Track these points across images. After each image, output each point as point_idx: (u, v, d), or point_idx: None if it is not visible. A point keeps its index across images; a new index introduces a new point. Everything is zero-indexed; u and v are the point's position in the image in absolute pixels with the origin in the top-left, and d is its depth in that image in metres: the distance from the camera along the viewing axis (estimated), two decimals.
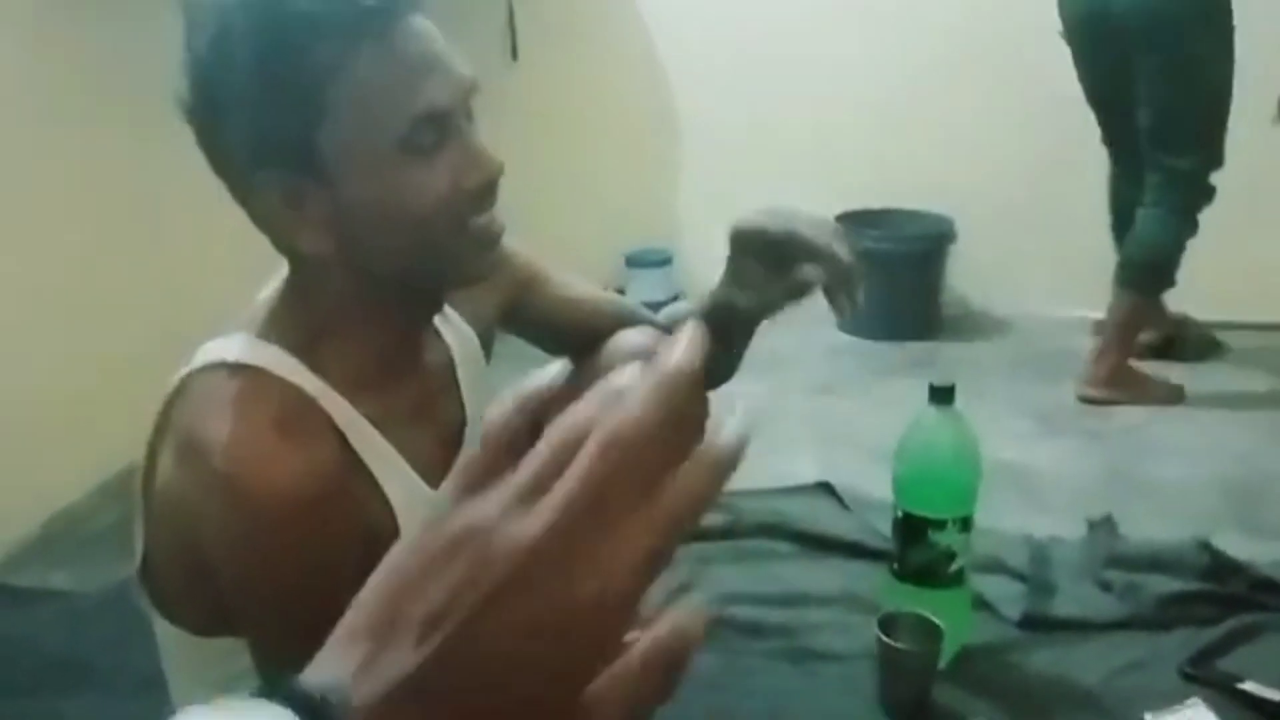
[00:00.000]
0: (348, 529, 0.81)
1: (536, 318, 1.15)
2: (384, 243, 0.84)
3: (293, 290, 0.89)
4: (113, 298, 1.98)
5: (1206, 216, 2.41)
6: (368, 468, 0.86)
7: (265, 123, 0.80)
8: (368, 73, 0.79)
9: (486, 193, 0.86)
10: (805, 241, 1.02)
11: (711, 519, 1.76)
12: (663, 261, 3.00)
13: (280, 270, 0.93)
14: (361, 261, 0.85)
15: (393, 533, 0.88)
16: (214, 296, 2.12)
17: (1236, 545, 1.69)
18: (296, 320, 0.87)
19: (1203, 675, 1.42)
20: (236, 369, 0.83)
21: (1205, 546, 1.66)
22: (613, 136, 3.03)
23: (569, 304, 1.16)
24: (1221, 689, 1.39)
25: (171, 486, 0.82)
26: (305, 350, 0.85)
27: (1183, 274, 2.39)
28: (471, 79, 0.84)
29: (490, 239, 0.89)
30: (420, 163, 0.82)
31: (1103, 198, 2.67)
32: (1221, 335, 2.61)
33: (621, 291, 2.99)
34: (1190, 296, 2.59)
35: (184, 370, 0.86)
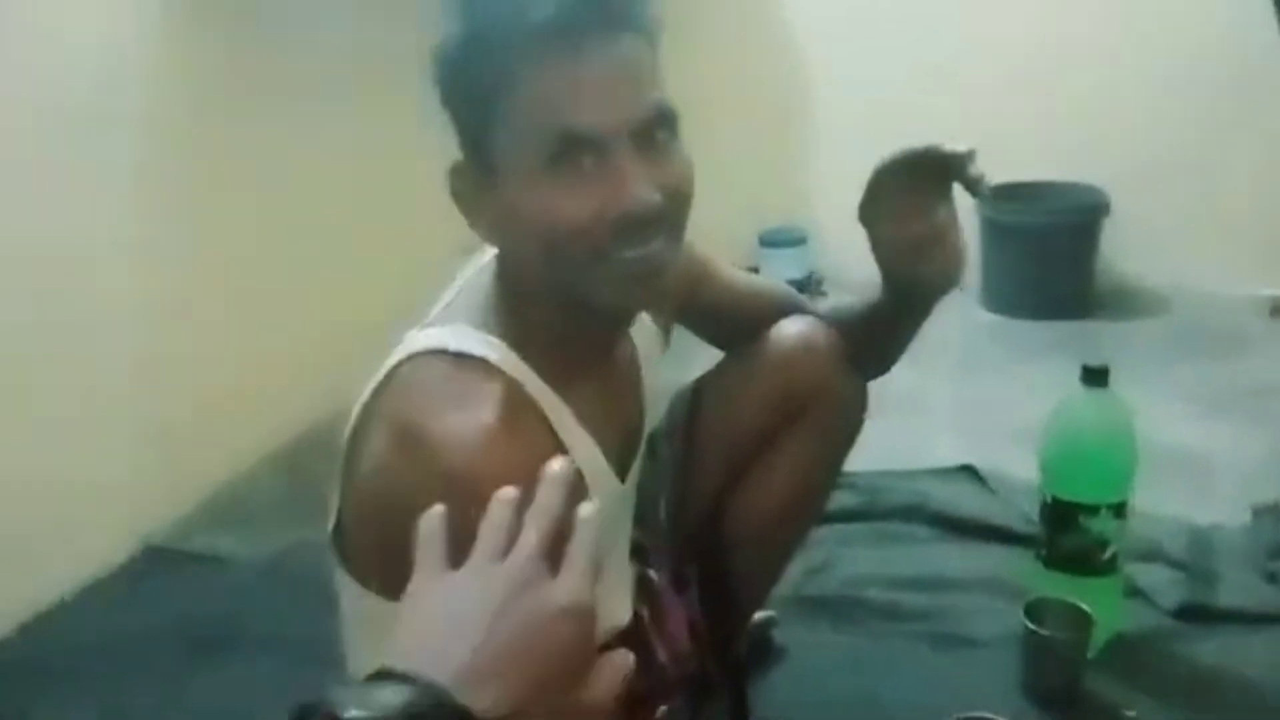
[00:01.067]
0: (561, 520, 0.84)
1: (708, 311, 1.18)
2: (525, 252, 0.88)
3: (502, 283, 0.92)
4: (285, 274, 2.07)
5: None
6: (572, 458, 0.88)
7: (462, 110, 0.87)
8: (536, 88, 0.83)
9: (630, 226, 0.84)
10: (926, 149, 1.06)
11: (848, 500, 1.74)
12: (797, 241, 2.96)
13: (478, 259, 0.97)
14: (513, 262, 0.90)
15: None
16: (377, 281, 2.22)
17: None
18: (511, 312, 0.90)
19: None
20: (460, 359, 0.86)
21: None
22: (747, 115, 3.00)
23: (738, 298, 1.19)
24: None
25: (388, 470, 0.84)
26: (521, 343, 0.88)
27: None
28: (650, 107, 0.84)
29: (639, 274, 0.87)
30: (569, 185, 0.83)
31: (1260, 166, 2.51)
32: None
33: (756, 270, 2.97)
34: None
35: (397, 356, 0.89)
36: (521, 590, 0.57)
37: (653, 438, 1.15)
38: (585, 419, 0.91)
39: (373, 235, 2.28)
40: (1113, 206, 2.63)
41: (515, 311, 0.90)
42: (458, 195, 0.90)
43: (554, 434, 0.87)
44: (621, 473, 0.99)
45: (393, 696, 0.52)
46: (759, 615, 1.41)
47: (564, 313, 0.90)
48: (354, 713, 0.51)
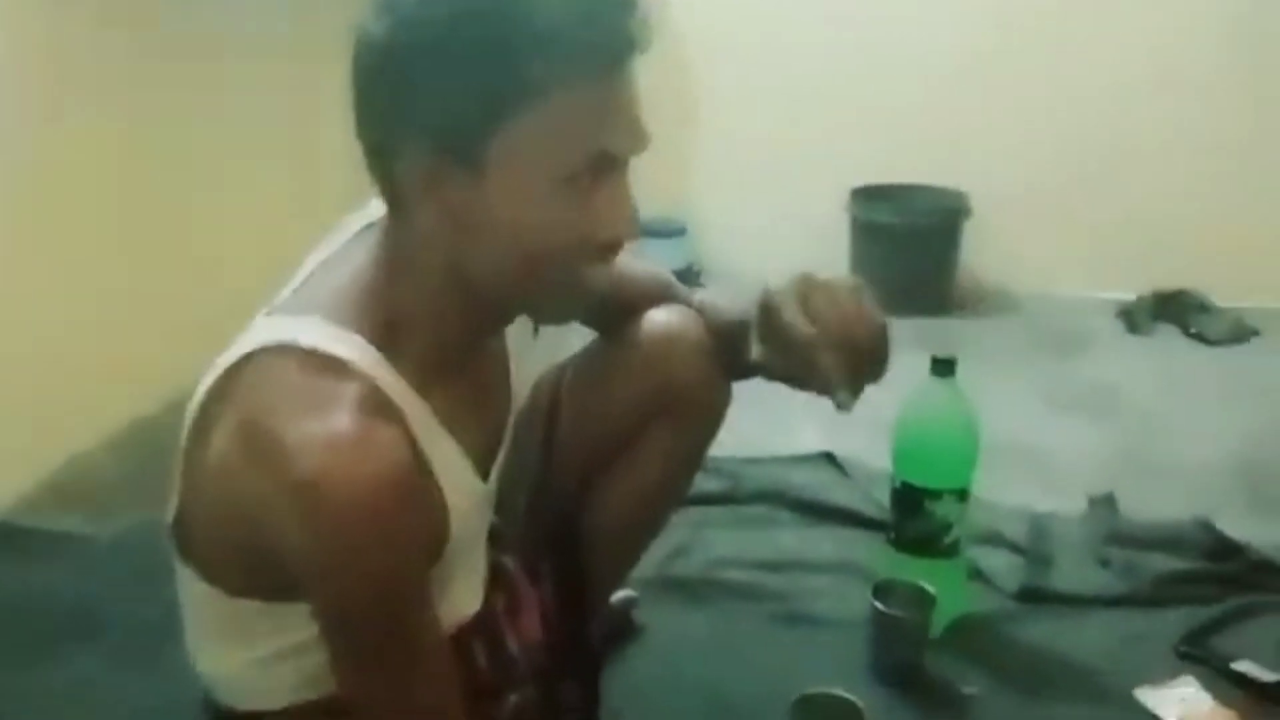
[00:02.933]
0: (418, 528, 0.81)
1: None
2: (496, 257, 0.84)
3: (379, 273, 0.87)
4: (127, 251, 1.99)
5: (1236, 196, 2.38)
6: (429, 464, 0.86)
7: (455, 99, 0.79)
8: (571, 100, 0.79)
9: (612, 251, 0.86)
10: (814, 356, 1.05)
11: (711, 484, 1.77)
12: (676, 232, 2.99)
13: (330, 244, 0.92)
14: (469, 263, 0.84)
15: (445, 523, 0.89)
16: (234, 265, 2.15)
17: (1241, 526, 1.68)
18: (378, 306, 0.85)
19: (1197, 654, 1.42)
20: (312, 356, 0.81)
21: (1206, 526, 1.65)
22: None
23: (619, 281, 1.17)
24: (1216, 668, 1.39)
25: (236, 472, 0.81)
26: (383, 340, 0.84)
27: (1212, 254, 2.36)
28: (649, 139, 0.84)
29: (590, 293, 0.88)
30: (568, 200, 0.82)
31: (1122, 177, 2.65)
32: (1251, 319, 2.58)
33: None
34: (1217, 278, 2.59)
35: (243, 346, 0.84)
36: None
37: (515, 424, 1.14)
38: (448, 419, 0.88)
39: (233, 209, 2.21)
40: (974, 210, 2.74)
41: (385, 306, 0.85)
42: (397, 179, 0.82)
43: (412, 438, 0.83)
44: (484, 471, 0.97)
45: None
46: (620, 594, 1.42)
47: (450, 307, 0.87)
48: None
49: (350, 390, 0.79)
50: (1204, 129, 2.66)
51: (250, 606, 0.90)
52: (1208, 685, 1.35)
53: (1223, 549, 1.62)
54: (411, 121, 0.80)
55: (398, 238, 0.87)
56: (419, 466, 0.84)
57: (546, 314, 0.92)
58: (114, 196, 1.96)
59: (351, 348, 0.82)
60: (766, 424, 2.04)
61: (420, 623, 0.85)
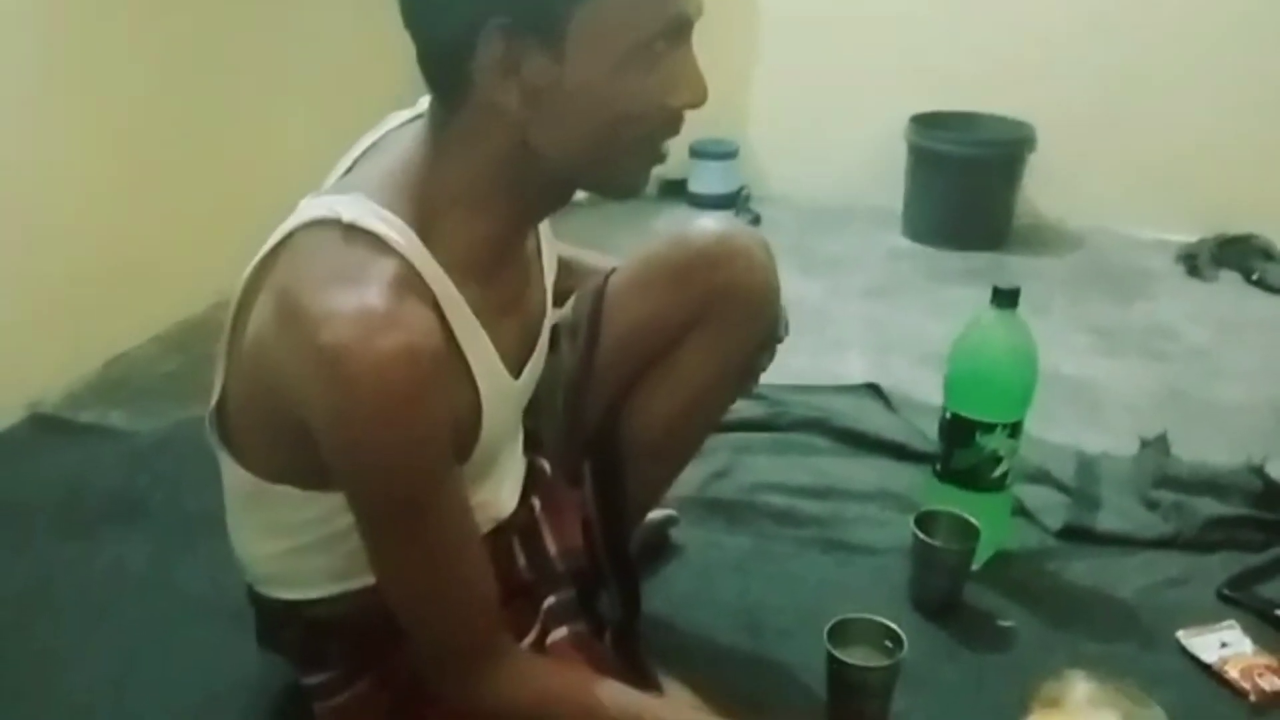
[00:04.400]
0: (443, 408, 0.81)
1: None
2: (579, 132, 0.84)
3: (428, 159, 0.86)
4: (178, 153, 1.99)
5: None
6: (462, 351, 0.86)
7: None
8: None
9: (682, 117, 0.86)
10: None
11: (754, 410, 1.75)
12: (728, 154, 2.94)
13: (384, 140, 0.92)
14: (542, 141, 0.84)
15: (476, 416, 0.89)
16: (278, 160, 2.14)
17: None
18: (422, 192, 0.85)
19: (1241, 599, 1.39)
20: (351, 231, 0.81)
21: (1258, 471, 1.62)
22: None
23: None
24: (1258, 613, 1.37)
25: (269, 343, 0.81)
26: (423, 224, 0.83)
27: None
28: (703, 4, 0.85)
29: (660, 159, 0.89)
30: (646, 67, 0.82)
31: (1191, 118, 2.56)
32: None
33: (683, 183, 2.95)
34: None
35: (288, 224, 0.84)
36: None
37: (555, 330, 1.13)
38: (482, 311, 0.88)
39: (279, 109, 2.20)
40: (1039, 143, 2.66)
41: (430, 192, 0.85)
42: (481, 69, 0.81)
43: (445, 323, 0.83)
44: (516, 368, 0.96)
45: None
46: (659, 513, 1.42)
47: (503, 195, 0.87)
48: None
49: (386, 266, 0.80)
50: (1273, 64, 2.55)
51: (287, 493, 0.91)
52: (1249, 630, 1.33)
53: (1272, 495, 1.58)
54: (490, 9, 0.79)
55: (454, 125, 0.85)
56: (451, 351, 0.84)
57: (617, 185, 0.90)
58: (164, 103, 1.95)
59: (392, 227, 0.82)
60: (813, 353, 2.03)
61: (449, 506, 0.85)
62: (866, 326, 2.25)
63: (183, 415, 1.67)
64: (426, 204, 0.85)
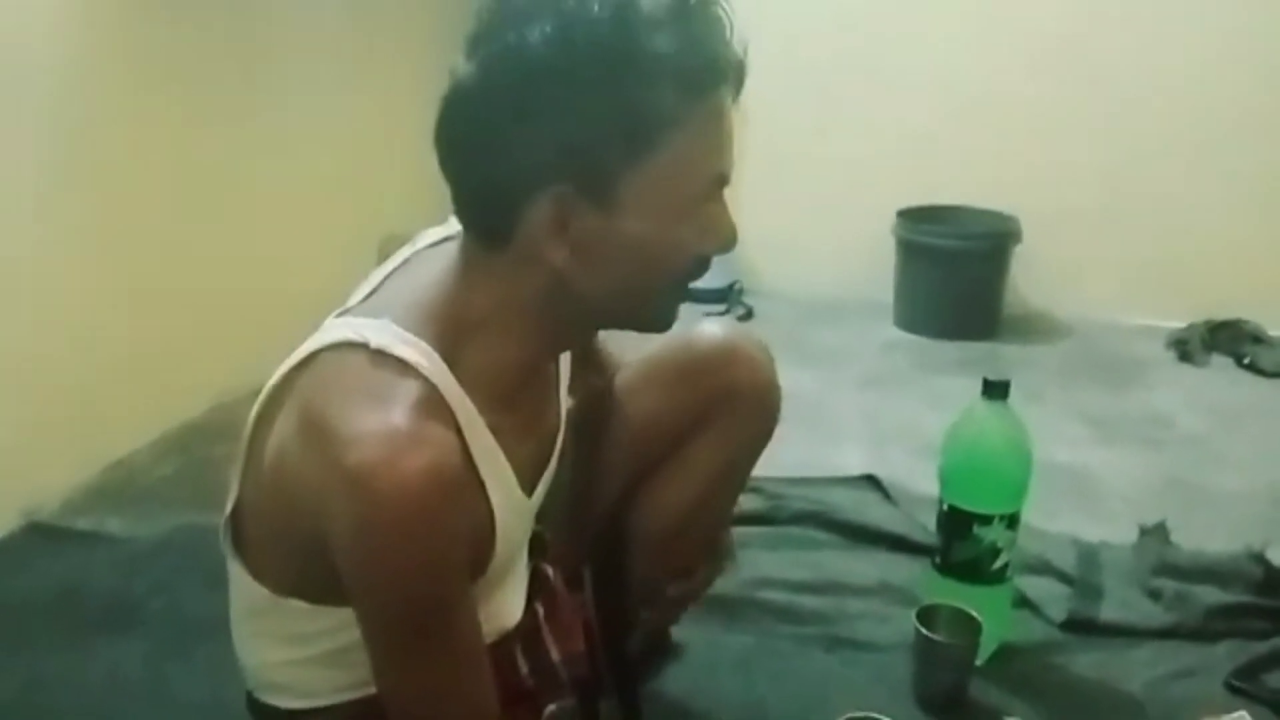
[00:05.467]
0: (462, 527, 0.82)
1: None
2: (618, 278, 0.87)
3: (459, 285, 0.88)
4: (178, 255, 2.02)
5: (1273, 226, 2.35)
6: (479, 471, 0.87)
7: (585, 142, 0.81)
8: (698, 128, 0.84)
9: (710, 261, 0.90)
10: None
11: (753, 504, 1.75)
12: None
13: (415, 262, 0.94)
14: (581, 286, 0.86)
15: (491, 533, 0.90)
16: (279, 265, 2.17)
17: None
18: (450, 318, 0.87)
19: (1249, 689, 1.38)
20: (378, 356, 0.82)
21: (1259, 559, 1.61)
22: None
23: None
24: (1268, 703, 1.35)
25: (292, 459, 0.83)
26: (448, 349, 0.85)
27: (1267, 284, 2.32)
28: None
29: (683, 299, 0.93)
30: (691, 222, 0.86)
31: (1175, 204, 2.61)
32: None
33: None
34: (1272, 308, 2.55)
35: (314, 343, 0.86)
36: None
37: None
38: (501, 433, 0.89)
39: (284, 213, 2.24)
40: (1024, 235, 2.71)
41: (459, 318, 0.87)
42: (531, 219, 0.83)
43: (464, 444, 0.84)
44: (530, 486, 0.97)
45: None
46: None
47: (533, 331, 0.89)
48: None
49: (411, 389, 0.81)
50: (1258, 158, 2.62)
51: (297, 607, 0.91)
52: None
53: (1274, 582, 1.58)
54: (549, 177, 0.82)
55: (489, 261, 0.87)
56: (470, 472, 0.85)
57: (646, 323, 0.95)
58: (166, 199, 1.99)
59: (418, 352, 0.83)
60: (810, 445, 2.04)
61: (461, 625, 0.85)
62: (862, 418, 2.27)
63: (181, 520, 1.67)
64: (454, 330, 0.86)
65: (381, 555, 0.79)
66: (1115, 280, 2.77)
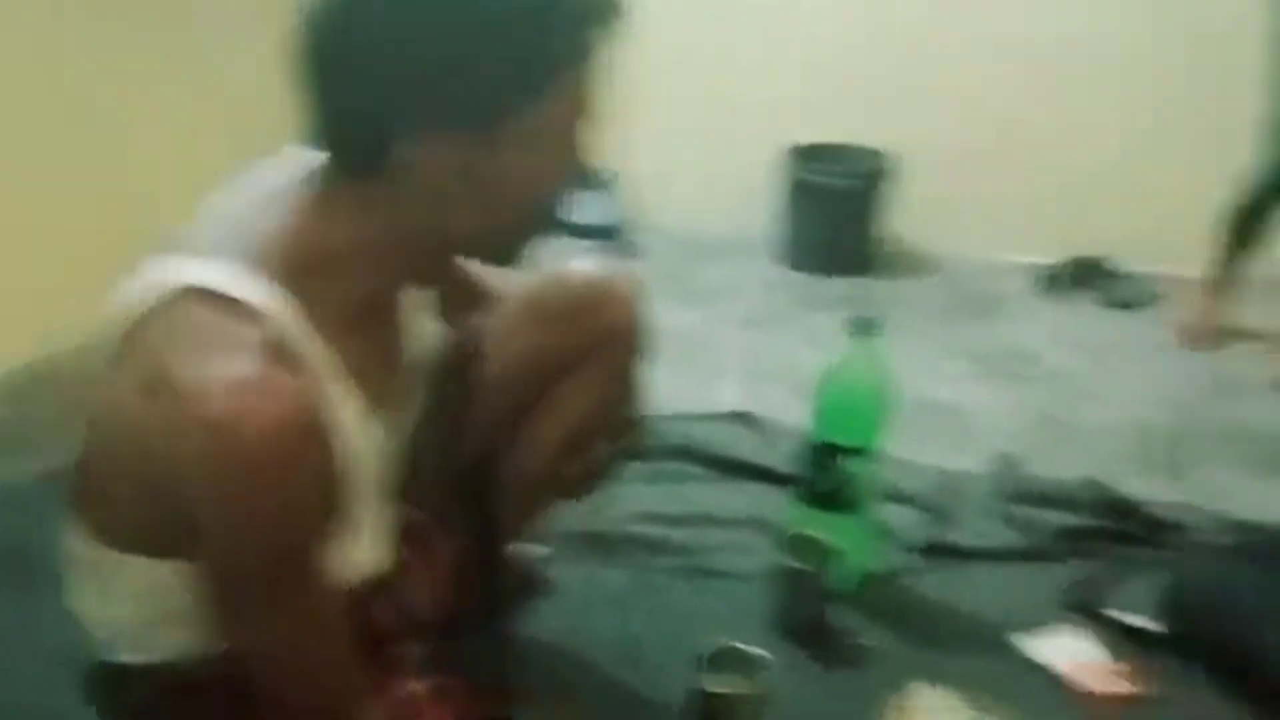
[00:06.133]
0: (316, 473, 0.81)
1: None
2: (495, 214, 0.86)
3: (309, 218, 0.85)
4: (33, 195, 1.93)
5: (1136, 167, 2.45)
6: (333, 410, 0.86)
7: (473, 72, 0.79)
8: (584, 64, 0.83)
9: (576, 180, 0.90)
10: None
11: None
12: (608, 185, 2.98)
13: (256, 192, 0.89)
14: (458, 219, 0.85)
15: (347, 478, 0.88)
16: (133, 203, 2.08)
17: (1135, 486, 1.75)
18: (299, 251, 0.84)
19: (1085, 605, 1.48)
20: (218, 300, 0.80)
21: (1103, 485, 1.72)
22: None
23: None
24: (1099, 618, 1.45)
25: (136, 417, 0.80)
26: (296, 284, 0.83)
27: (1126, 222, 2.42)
28: None
29: (553, 223, 0.91)
30: (571, 147, 0.86)
31: (1043, 146, 2.70)
32: (1161, 285, 2.65)
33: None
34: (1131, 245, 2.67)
35: (151, 289, 0.82)
36: None
37: (431, 376, 1.14)
38: (356, 370, 0.88)
39: (114, 150, 2.13)
40: (902, 172, 2.77)
41: (308, 251, 0.84)
42: (405, 147, 0.81)
43: (317, 387, 0.83)
44: (392, 425, 0.97)
45: None
46: (532, 550, 1.43)
47: (391, 259, 0.87)
48: None
49: (256, 334, 0.79)
50: (1119, 101, 2.71)
51: (139, 563, 0.89)
52: (1091, 634, 1.41)
53: (1117, 507, 1.68)
54: (429, 94, 0.79)
55: (354, 190, 0.85)
56: (321, 417, 0.83)
57: (510, 255, 0.94)
58: (16, 131, 1.89)
59: (259, 291, 0.81)
60: (690, 383, 2.07)
61: (313, 572, 0.85)
62: (743, 354, 2.31)
63: (25, 465, 1.62)
64: (300, 264, 0.84)
65: (235, 506, 0.78)
66: (987, 218, 2.86)
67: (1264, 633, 1.33)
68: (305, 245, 0.85)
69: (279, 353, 0.80)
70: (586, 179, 0.92)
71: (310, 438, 0.79)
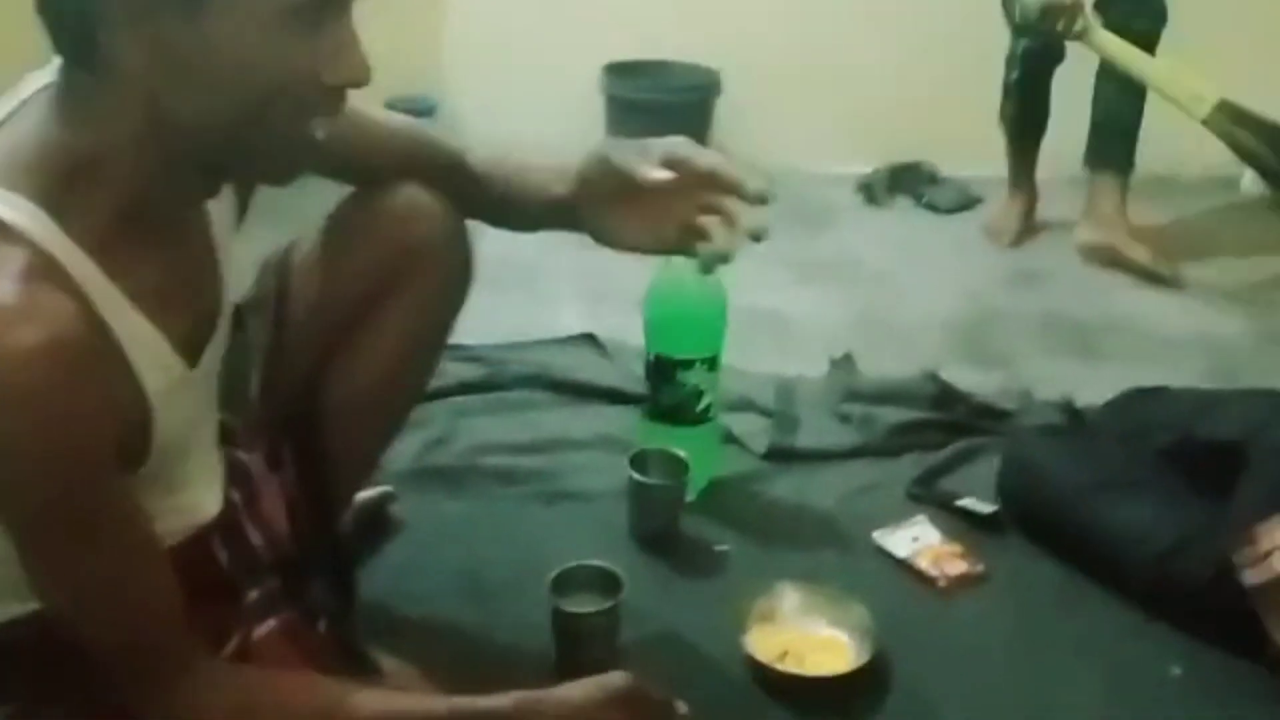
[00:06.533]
0: (98, 405, 0.74)
1: (339, 154, 1.05)
2: (212, 101, 0.77)
3: (55, 129, 0.78)
4: None
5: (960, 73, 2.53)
6: (118, 342, 0.78)
7: None
8: None
9: (341, 97, 0.81)
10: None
11: (470, 372, 1.74)
12: (426, 111, 2.86)
13: (10, 110, 0.81)
14: (178, 110, 0.77)
15: (145, 412, 0.81)
16: None
17: (963, 377, 1.82)
18: (52, 165, 0.76)
19: (926, 495, 1.54)
20: None
21: (933, 378, 1.78)
22: None
23: (370, 136, 1.09)
24: (942, 506, 1.51)
25: None
26: (58, 203, 0.75)
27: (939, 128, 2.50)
28: None
29: (312, 145, 0.82)
30: (294, 36, 0.76)
31: (858, 57, 2.74)
32: (975, 187, 2.74)
33: None
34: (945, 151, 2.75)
35: None
36: None
37: (239, 311, 1.07)
38: (141, 299, 0.81)
39: None
40: (724, 88, 2.77)
41: (67, 164, 0.77)
42: (104, 19, 0.74)
43: (92, 312, 0.76)
44: (192, 355, 0.89)
45: None
46: (374, 490, 1.38)
47: (169, 173, 0.80)
48: None
49: (13, 255, 0.72)
50: (930, 8, 2.78)
51: None
52: (936, 523, 1.47)
53: (948, 398, 1.75)
54: None
55: (82, 91, 0.78)
56: (104, 342, 0.77)
57: (263, 169, 0.86)
58: None
59: (16, 210, 0.74)
60: (527, 310, 2.03)
61: (119, 515, 0.79)
62: (578, 277, 2.27)
63: None
64: (55, 180, 0.77)
65: (7, 446, 0.71)
66: (807, 129, 2.89)
67: (1084, 503, 1.40)
68: (57, 160, 0.78)
69: (43, 274, 0.73)
70: (358, 81, 0.81)
71: (82, 367, 0.73)
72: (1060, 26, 2.15)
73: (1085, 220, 2.41)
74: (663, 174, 1.06)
